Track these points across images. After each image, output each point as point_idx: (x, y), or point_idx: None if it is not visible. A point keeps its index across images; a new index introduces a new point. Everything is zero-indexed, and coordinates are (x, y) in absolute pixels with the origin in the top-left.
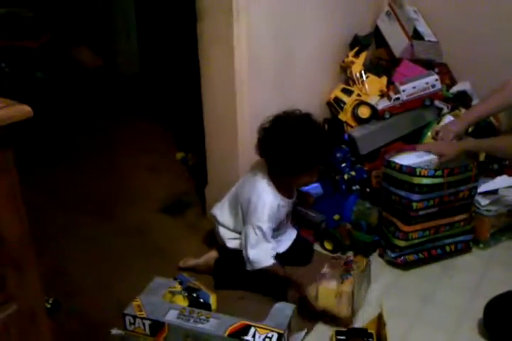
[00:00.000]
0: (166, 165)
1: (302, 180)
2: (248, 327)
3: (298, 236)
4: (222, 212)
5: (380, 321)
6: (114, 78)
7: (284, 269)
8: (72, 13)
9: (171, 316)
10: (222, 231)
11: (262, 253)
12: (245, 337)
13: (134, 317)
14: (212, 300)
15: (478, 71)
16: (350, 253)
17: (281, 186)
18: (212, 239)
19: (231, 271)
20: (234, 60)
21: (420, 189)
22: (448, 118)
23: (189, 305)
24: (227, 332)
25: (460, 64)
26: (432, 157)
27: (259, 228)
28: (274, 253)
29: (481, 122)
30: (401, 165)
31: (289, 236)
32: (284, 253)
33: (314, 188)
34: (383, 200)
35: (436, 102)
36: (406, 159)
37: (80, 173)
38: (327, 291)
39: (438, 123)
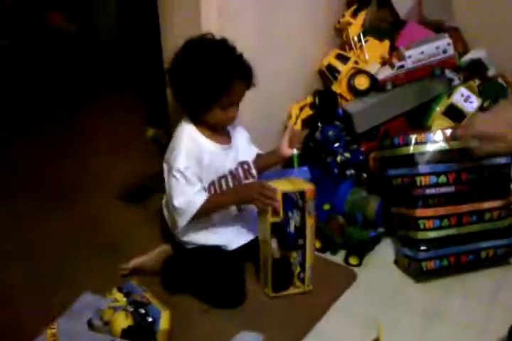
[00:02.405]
0: (135, 143)
1: (215, 115)
2: None
3: None
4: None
5: None
6: (90, 45)
7: (228, 191)
8: None
9: None
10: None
11: (188, 199)
12: None
13: None
14: (164, 317)
15: (496, 37)
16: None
17: (205, 129)
18: None
19: (181, 271)
20: (201, 15)
21: (422, 158)
22: (461, 91)
23: (132, 326)
24: None
25: (474, 28)
26: None
27: (178, 171)
28: (203, 195)
29: None
30: (392, 139)
31: (252, 228)
32: (239, 250)
33: (301, 173)
34: (386, 191)
35: (447, 72)
36: None
37: (38, 149)
38: None
39: (449, 96)
